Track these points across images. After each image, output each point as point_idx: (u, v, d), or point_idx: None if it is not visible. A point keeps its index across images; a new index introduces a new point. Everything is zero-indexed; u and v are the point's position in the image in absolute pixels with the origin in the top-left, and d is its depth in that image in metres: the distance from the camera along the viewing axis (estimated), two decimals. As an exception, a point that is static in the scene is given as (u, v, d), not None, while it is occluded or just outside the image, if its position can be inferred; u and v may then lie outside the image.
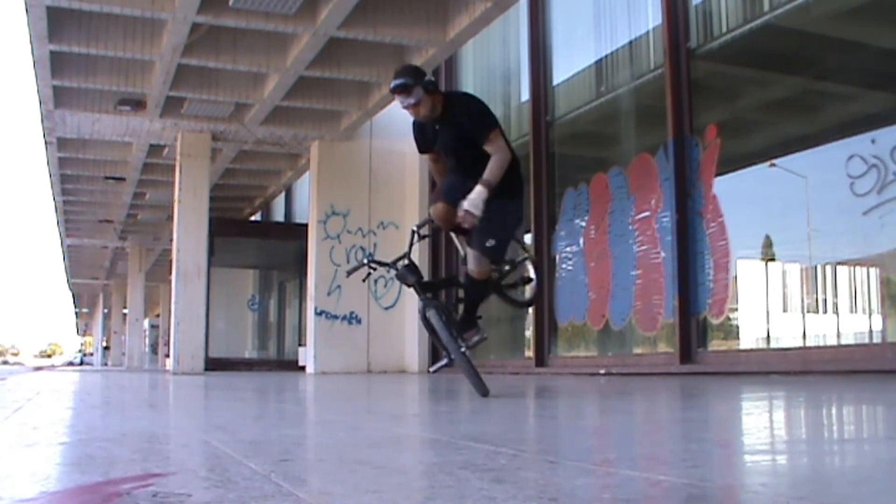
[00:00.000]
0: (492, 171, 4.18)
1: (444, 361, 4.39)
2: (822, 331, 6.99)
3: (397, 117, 13.19)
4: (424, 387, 7.16)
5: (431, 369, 4.68)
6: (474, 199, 4.07)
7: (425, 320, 4.42)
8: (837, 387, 5.05)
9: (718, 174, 7.61)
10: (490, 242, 4.24)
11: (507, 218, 4.41)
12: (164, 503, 1.42)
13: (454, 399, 5.11)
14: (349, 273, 4.98)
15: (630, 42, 9.06)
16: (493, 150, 4.23)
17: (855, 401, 4.04)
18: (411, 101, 4.21)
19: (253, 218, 21.44)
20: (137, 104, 12.28)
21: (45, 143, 14.33)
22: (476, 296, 4.45)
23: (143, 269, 27.05)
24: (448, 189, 4.39)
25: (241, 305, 22.66)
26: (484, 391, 4.31)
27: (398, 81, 4.22)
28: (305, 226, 13.83)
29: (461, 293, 4.57)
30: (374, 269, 4.78)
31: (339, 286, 12.90)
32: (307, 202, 14.49)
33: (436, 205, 4.41)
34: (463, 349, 4.30)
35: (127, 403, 5.01)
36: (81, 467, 1.91)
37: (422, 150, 4.60)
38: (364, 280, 4.99)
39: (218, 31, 10.05)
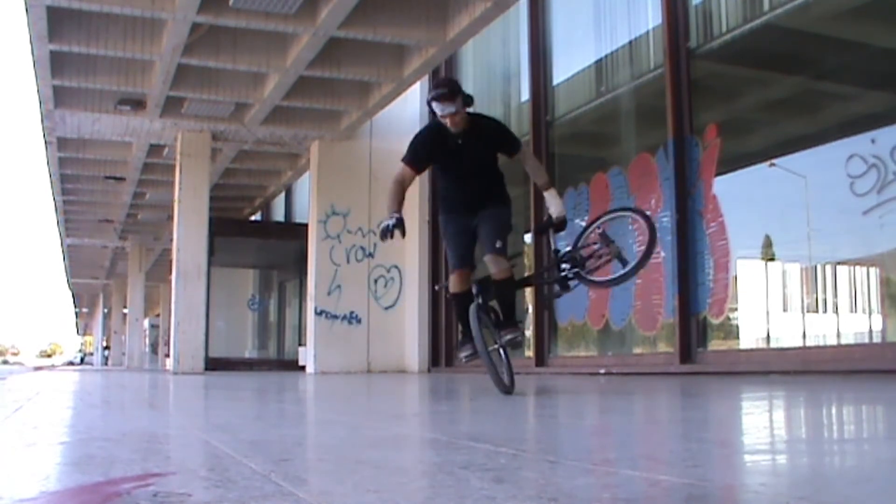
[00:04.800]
0: (542, 174, 4.97)
1: (469, 352, 4.69)
2: (822, 330, 6.99)
3: (397, 117, 13.20)
4: (424, 387, 7.16)
5: (461, 355, 4.88)
6: (559, 203, 4.76)
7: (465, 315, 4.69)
8: (837, 387, 5.05)
9: (718, 174, 7.61)
10: (499, 244, 4.61)
11: (505, 222, 4.82)
12: (164, 503, 1.42)
13: (454, 399, 5.12)
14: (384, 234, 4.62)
15: (630, 42, 9.06)
16: (527, 159, 4.95)
17: (855, 401, 4.04)
18: (452, 109, 4.46)
19: (253, 218, 21.44)
20: (137, 104, 12.27)
21: (45, 143, 14.32)
22: (506, 296, 4.73)
23: (143, 269, 27.04)
24: (462, 252, 4.76)
25: (241, 305, 22.65)
26: (503, 388, 4.51)
27: (443, 89, 4.55)
28: (305, 226, 13.82)
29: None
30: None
31: (339, 286, 12.90)
32: (307, 202, 14.48)
33: (459, 272, 4.72)
34: (492, 347, 4.63)
35: (127, 403, 5.02)
36: (81, 467, 1.91)
37: (415, 163, 4.71)
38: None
39: (218, 31, 10.05)
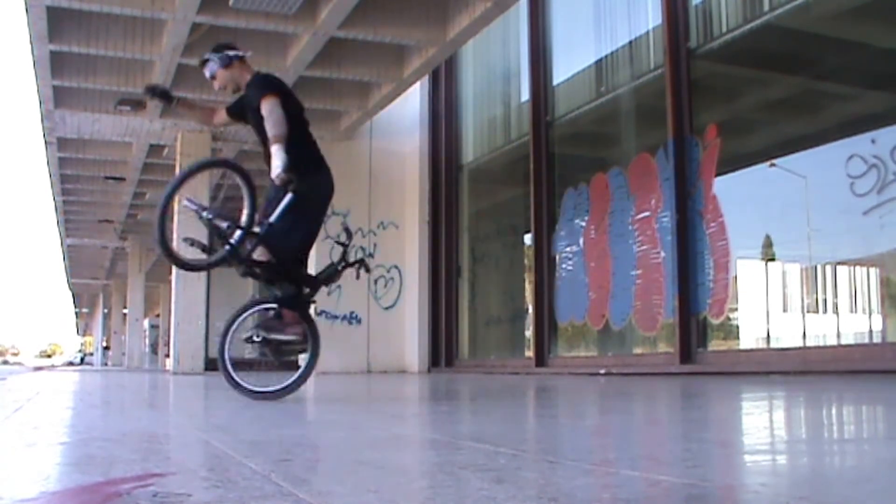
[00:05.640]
0: (272, 127, 4.15)
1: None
2: (822, 331, 7.00)
3: (397, 117, 13.21)
4: (424, 387, 7.16)
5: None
6: (275, 163, 4.10)
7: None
8: (837, 387, 5.05)
9: (718, 174, 7.61)
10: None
11: (271, 197, 4.45)
12: (164, 503, 1.42)
13: (454, 399, 5.12)
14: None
15: (630, 42, 9.06)
16: (265, 110, 4.19)
17: (855, 401, 4.04)
18: (206, 74, 4.46)
19: (253, 218, 21.42)
20: (137, 104, 12.27)
21: (45, 143, 14.33)
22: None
23: (143, 269, 27.05)
24: None
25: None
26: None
27: (202, 58, 4.49)
28: (305, 226, 13.80)
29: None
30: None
31: (339, 286, 12.87)
32: (307, 202, 14.45)
33: None
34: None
35: (127, 403, 5.02)
36: (81, 467, 1.91)
37: (230, 106, 4.69)
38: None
39: (218, 31, 10.03)
